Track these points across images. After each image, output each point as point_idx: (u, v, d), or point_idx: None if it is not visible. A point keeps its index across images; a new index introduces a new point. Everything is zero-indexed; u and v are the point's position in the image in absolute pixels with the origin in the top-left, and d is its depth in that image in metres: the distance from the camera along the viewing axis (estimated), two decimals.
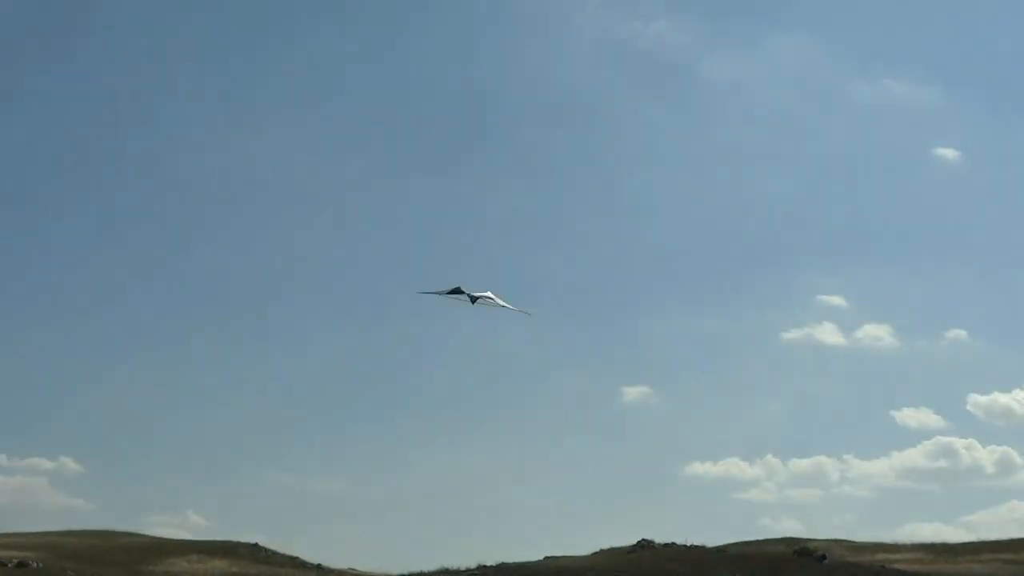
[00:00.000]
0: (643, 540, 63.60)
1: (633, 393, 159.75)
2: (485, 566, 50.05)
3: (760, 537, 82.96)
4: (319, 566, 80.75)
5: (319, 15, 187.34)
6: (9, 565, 63.76)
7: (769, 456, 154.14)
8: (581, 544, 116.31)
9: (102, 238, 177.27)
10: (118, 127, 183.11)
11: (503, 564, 51.84)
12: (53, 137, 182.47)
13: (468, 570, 48.64)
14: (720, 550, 63.42)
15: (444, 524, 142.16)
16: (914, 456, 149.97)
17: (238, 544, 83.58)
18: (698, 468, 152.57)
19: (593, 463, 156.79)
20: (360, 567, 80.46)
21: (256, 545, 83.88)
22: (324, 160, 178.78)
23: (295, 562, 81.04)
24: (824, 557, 59.42)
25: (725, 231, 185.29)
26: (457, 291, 45.69)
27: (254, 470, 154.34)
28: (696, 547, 62.07)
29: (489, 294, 45.95)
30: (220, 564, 74.54)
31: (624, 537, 73.21)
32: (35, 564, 65.02)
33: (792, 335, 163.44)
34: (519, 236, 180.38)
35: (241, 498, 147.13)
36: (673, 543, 62.79)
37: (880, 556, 68.56)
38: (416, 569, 50.07)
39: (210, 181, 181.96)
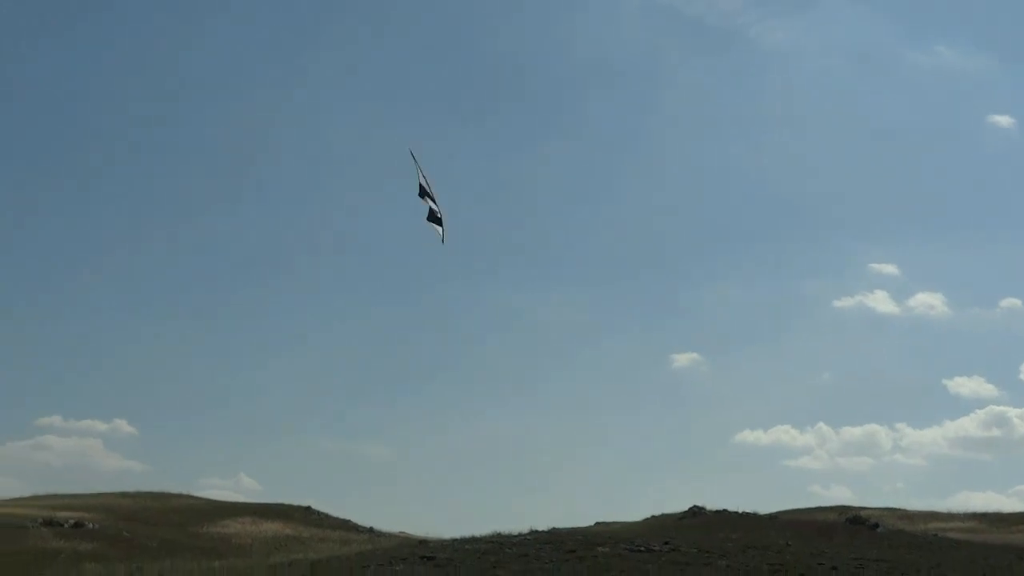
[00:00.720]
0: (695, 507, 63.37)
1: (683, 360, 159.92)
2: (537, 531, 50.07)
3: (811, 505, 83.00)
4: (371, 529, 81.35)
5: None
6: (65, 525, 64.50)
7: (821, 424, 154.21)
8: (632, 510, 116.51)
9: (157, 202, 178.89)
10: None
11: (555, 529, 51.91)
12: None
13: (520, 535, 48.67)
14: (772, 517, 63.19)
15: (495, 490, 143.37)
16: (967, 425, 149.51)
17: (291, 507, 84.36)
18: (748, 436, 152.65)
19: (643, 430, 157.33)
20: (412, 531, 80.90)
21: (309, 508, 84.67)
22: (368, 126, 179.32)
23: (347, 525, 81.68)
24: (877, 525, 59.09)
25: (776, 198, 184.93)
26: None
27: (304, 434, 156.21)
28: (748, 514, 61.80)
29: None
30: (273, 526, 75.21)
31: (675, 504, 73.33)
32: (91, 525, 65.72)
33: (844, 303, 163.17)
34: (567, 204, 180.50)
35: (292, 461, 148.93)
36: (725, 510, 62.55)
37: (933, 525, 68.26)
38: (468, 534, 50.07)
39: (271, 146, 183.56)
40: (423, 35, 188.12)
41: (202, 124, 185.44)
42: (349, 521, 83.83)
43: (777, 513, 67.96)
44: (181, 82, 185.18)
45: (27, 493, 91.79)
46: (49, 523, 64.66)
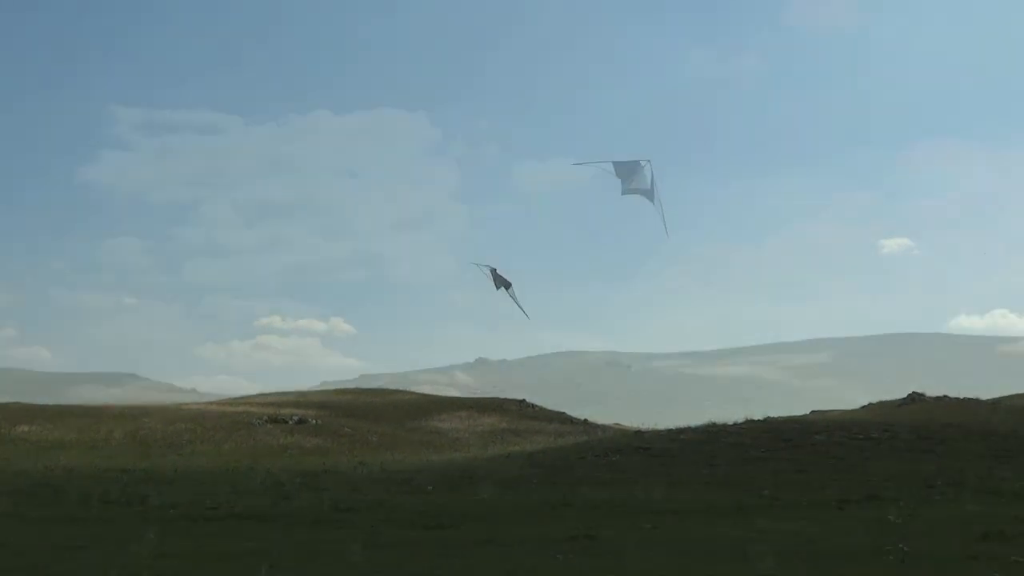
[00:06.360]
0: (914, 393, 62.38)
1: (891, 245, 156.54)
2: (752, 420, 50.02)
3: None
4: (585, 421, 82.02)
5: None
6: (289, 422, 66.75)
7: None
8: (847, 399, 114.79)
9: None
10: None
11: (770, 418, 51.71)
12: None
13: (735, 424, 48.72)
14: (994, 403, 61.59)
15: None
16: None
17: (506, 400, 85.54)
18: (964, 321, 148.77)
19: (854, 316, 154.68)
20: (625, 423, 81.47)
21: (523, 402, 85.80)
22: None
23: (562, 418, 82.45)
24: None
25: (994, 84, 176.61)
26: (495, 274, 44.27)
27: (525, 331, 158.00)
28: (969, 399, 60.43)
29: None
30: (490, 420, 76.36)
31: (891, 391, 72.11)
32: (314, 421, 67.83)
33: None
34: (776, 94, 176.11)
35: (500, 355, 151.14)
36: (945, 396, 61.33)
37: None
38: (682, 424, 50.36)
39: None
40: None
41: None
42: (563, 414, 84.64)
43: (1000, 398, 66.20)
44: None
45: (252, 391, 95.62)
46: (274, 420, 67.03)
